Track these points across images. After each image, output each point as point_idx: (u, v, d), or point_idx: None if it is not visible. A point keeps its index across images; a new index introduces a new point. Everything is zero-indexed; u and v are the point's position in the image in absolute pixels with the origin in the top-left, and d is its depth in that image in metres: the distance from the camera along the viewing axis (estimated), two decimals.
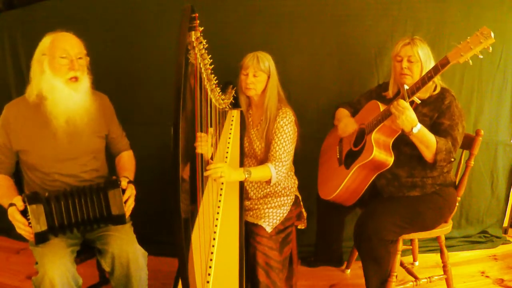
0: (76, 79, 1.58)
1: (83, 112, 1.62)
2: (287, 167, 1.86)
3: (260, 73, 1.87)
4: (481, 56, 1.53)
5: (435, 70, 1.62)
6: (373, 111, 1.88)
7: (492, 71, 2.45)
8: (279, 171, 1.82)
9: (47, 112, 1.57)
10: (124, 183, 1.60)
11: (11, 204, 1.46)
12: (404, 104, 1.64)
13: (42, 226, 1.43)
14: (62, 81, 1.56)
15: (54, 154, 1.62)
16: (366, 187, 1.90)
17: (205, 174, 1.65)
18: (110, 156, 1.88)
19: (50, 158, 1.62)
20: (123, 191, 1.58)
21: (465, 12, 2.34)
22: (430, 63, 1.81)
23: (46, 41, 1.58)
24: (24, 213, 1.44)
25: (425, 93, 1.79)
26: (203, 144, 1.70)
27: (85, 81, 1.63)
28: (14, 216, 1.44)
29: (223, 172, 1.64)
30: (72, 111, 1.59)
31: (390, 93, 1.97)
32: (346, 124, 2.00)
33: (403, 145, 1.82)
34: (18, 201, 1.45)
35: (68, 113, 1.58)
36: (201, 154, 1.71)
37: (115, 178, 1.59)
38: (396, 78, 1.91)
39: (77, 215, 1.51)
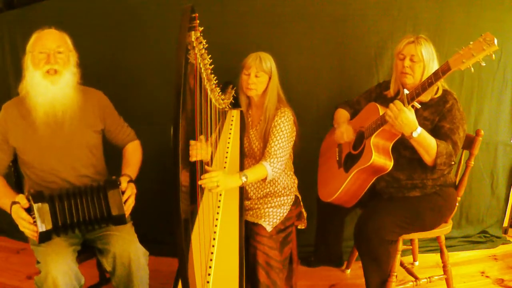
0: (55, 71, 1.59)
1: (66, 104, 1.62)
2: (282, 162, 1.84)
3: (262, 73, 1.87)
4: (484, 64, 1.49)
5: (435, 76, 1.58)
6: (372, 114, 1.87)
7: (492, 71, 2.45)
8: (275, 167, 1.81)
9: (28, 105, 1.59)
10: (124, 184, 1.61)
11: (14, 202, 1.46)
12: (400, 105, 1.61)
13: (47, 225, 1.42)
14: (40, 74, 1.58)
15: (46, 147, 1.62)
16: (366, 189, 1.90)
17: (200, 183, 1.61)
18: (108, 154, 1.88)
19: (45, 152, 1.62)
20: (123, 191, 1.58)
21: (465, 12, 2.34)
22: (433, 64, 1.77)
23: (31, 39, 1.61)
24: (27, 211, 1.44)
25: (427, 96, 1.75)
26: (198, 152, 1.70)
27: (67, 75, 1.63)
28: (19, 214, 1.43)
29: (219, 181, 1.62)
30: (50, 103, 1.59)
31: (391, 91, 1.95)
32: (342, 132, 1.98)
33: (403, 148, 1.81)
34: (22, 199, 1.45)
35: (46, 105, 1.59)
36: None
37: (115, 178, 1.59)
38: (397, 76, 1.88)
39: (79, 214, 1.51)
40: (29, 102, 1.59)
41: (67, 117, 1.63)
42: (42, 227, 1.41)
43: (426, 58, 1.76)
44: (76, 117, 1.65)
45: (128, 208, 1.59)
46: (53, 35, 1.62)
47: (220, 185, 1.63)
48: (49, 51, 1.57)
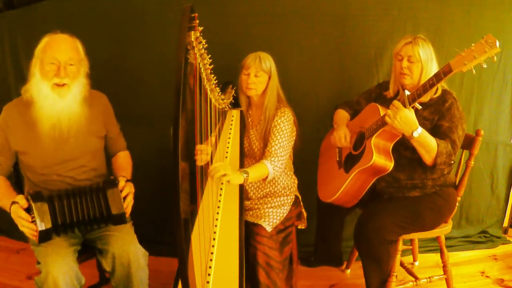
0: (64, 85, 1.57)
1: (72, 119, 1.61)
2: (283, 161, 1.85)
3: (261, 73, 1.87)
4: (485, 65, 1.49)
5: (437, 78, 1.59)
6: (373, 114, 1.87)
7: (492, 71, 2.45)
8: (276, 166, 1.81)
9: (34, 115, 1.57)
10: (122, 182, 1.60)
11: (14, 202, 1.46)
12: (398, 105, 1.61)
13: (47, 224, 1.42)
14: (48, 86, 1.55)
15: (50, 155, 1.62)
16: (366, 190, 1.89)
17: (209, 170, 1.64)
18: (109, 156, 1.88)
19: (47, 159, 1.62)
20: (121, 190, 1.58)
21: (465, 11, 2.34)
22: (432, 64, 1.77)
23: (41, 43, 1.58)
24: (26, 211, 1.44)
25: (426, 96, 1.74)
26: (203, 157, 1.70)
27: (76, 88, 1.61)
28: (18, 213, 1.43)
29: (226, 169, 1.63)
30: (57, 117, 1.58)
31: (391, 92, 1.95)
32: (341, 136, 1.97)
33: (403, 148, 1.81)
34: (21, 199, 1.45)
35: (53, 119, 1.57)
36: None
37: (113, 178, 1.60)
38: (396, 77, 1.89)
39: (79, 214, 1.50)
40: (35, 112, 1.57)
41: (73, 132, 1.62)
42: (41, 226, 1.41)
43: (424, 59, 1.76)
44: (81, 129, 1.64)
45: (127, 206, 1.58)
46: (66, 44, 1.57)
47: (228, 173, 1.63)
48: (59, 63, 1.54)
